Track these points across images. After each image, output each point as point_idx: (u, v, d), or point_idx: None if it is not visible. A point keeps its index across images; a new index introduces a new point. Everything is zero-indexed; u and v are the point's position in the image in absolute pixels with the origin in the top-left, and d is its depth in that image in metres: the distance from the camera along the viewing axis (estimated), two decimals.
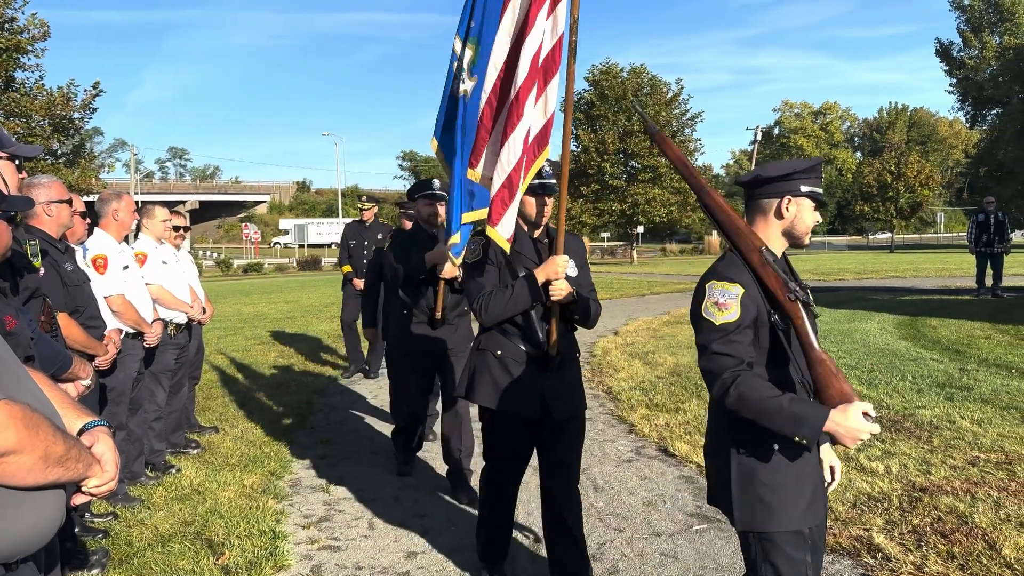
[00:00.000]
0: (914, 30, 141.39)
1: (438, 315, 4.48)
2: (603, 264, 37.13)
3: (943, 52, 47.55)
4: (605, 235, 48.14)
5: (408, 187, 4.44)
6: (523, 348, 3.16)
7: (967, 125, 56.62)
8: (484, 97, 3.33)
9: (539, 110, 3.24)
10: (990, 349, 8.46)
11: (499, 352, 3.18)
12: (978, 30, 45.42)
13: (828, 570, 3.40)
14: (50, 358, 2.72)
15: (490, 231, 3.12)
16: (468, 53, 3.49)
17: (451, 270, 4.26)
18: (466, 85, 3.50)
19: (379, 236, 8.01)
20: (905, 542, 3.58)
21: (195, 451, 5.43)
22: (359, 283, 7.92)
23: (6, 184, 2.28)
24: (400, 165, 78.00)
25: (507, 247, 3.13)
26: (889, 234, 53.57)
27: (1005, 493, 4.13)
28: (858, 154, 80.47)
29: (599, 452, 5.30)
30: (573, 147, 36.04)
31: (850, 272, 23.74)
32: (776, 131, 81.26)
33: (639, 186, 34.20)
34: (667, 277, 24.13)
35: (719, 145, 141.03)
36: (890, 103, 79.07)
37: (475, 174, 3.31)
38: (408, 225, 5.39)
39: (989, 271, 14.29)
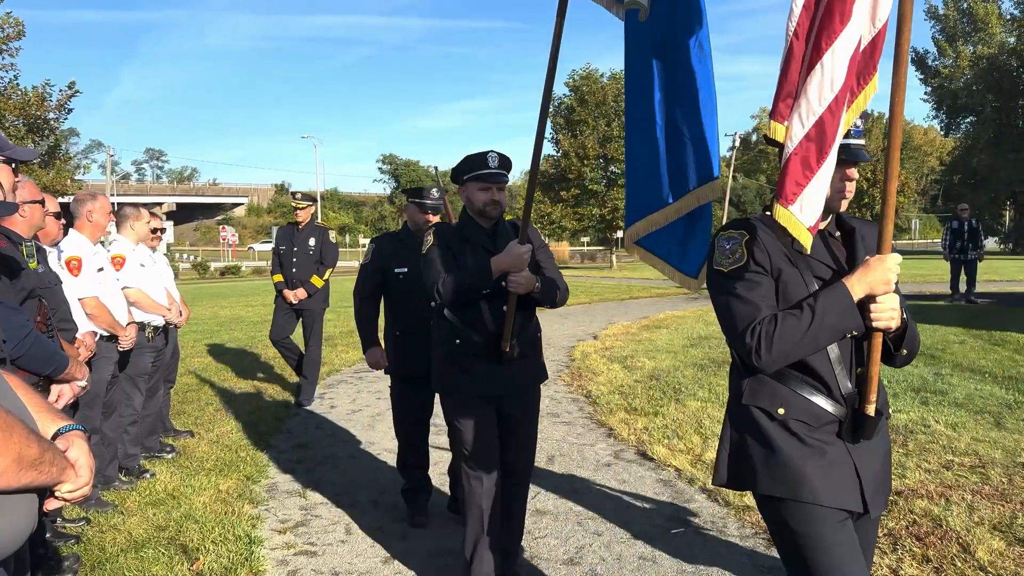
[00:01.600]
0: (890, 38, 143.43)
1: (507, 346, 3.11)
2: (583, 268, 37.25)
3: (918, 61, 48.26)
4: (585, 240, 48.35)
5: (456, 166, 3.30)
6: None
7: (942, 133, 57.50)
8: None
9: (862, 17, 2.03)
10: (964, 354, 8.57)
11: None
12: (953, 40, 46.21)
13: None
14: (47, 359, 2.69)
15: (781, 214, 1.97)
16: None
17: (529, 281, 3.05)
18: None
19: (311, 241, 7.10)
20: (881, 545, 3.61)
21: (170, 455, 5.36)
22: (292, 295, 6.99)
23: (1, 188, 2.26)
24: (380, 168, 77.57)
25: (807, 243, 1.98)
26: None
27: (979, 496, 4.18)
28: None
29: (578, 456, 5.30)
30: (552, 152, 36.20)
31: None
32: (754, 137, 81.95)
33: (619, 191, 34.28)
34: (646, 282, 24.22)
35: None
36: (869, 110, 79.92)
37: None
38: (453, 219, 3.93)
39: (963, 277, 14.49)
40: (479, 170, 3.19)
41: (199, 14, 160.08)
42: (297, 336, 7.26)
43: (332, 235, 7.46)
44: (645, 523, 4.08)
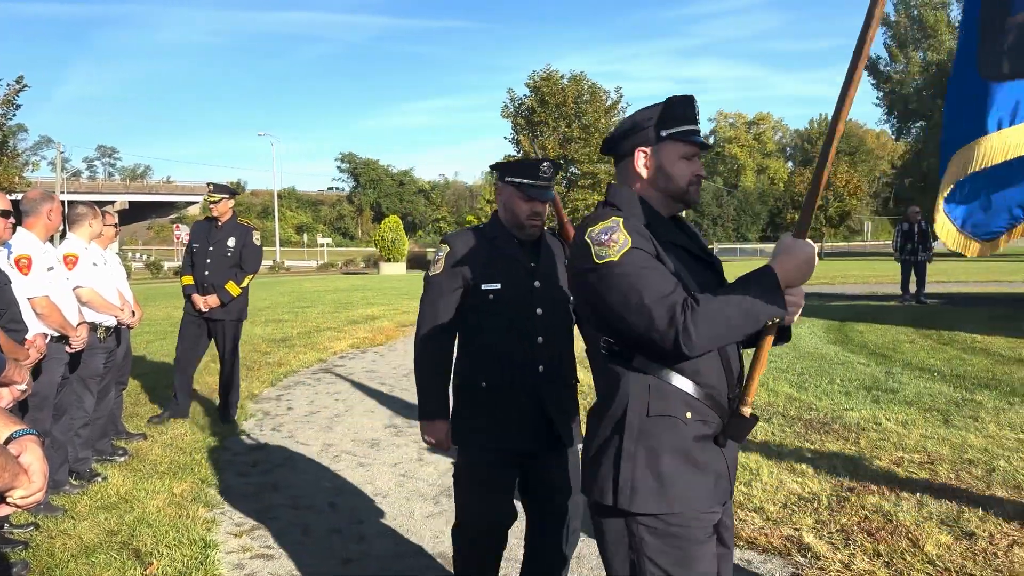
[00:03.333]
0: (844, 43, 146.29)
1: (747, 409, 1.89)
2: None
3: (871, 66, 49.39)
4: None
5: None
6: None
7: (893, 137, 58.91)
8: None
9: None
10: (914, 353, 8.80)
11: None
12: (904, 46, 47.44)
13: (760, 569, 3.48)
14: None
15: None
16: None
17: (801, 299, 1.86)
18: None
19: (231, 242, 6.19)
20: (834, 541, 3.69)
21: (122, 458, 5.24)
22: (203, 301, 6.09)
23: None
24: (339, 167, 76.90)
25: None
26: (819, 242, 55.30)
27: (928, 492, 4.28)
28: (790, 164, 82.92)
29: None
30: (513, 152, 36.31)
31: None
32: (712, 140, 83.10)
33: (579, 192, 34.62)
34: None
35: None
36: (820, 114, 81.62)
37: None
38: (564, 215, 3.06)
39: (913, 278, 14.87)
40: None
41: (154, 8, 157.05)
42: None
43: (256, 236, 6.48)
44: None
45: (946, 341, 9.65)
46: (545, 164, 2.71)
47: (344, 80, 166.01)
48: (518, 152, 35.93)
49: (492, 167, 2.84)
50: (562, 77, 35.36)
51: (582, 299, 1.95)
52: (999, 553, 3.50)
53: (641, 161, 1.93)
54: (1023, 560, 3.42)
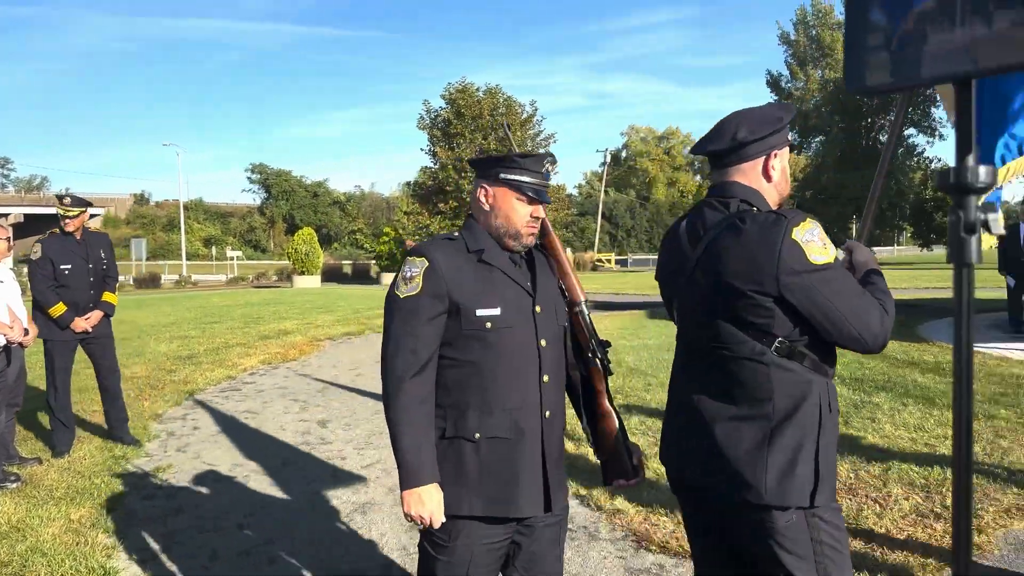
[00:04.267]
0: (748, 61, 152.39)
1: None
2: None
3: (773, 83, 51.60)
4: None
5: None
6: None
7: (795, 151, 61.57)
8: None
9: None
10: None
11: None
12: (803, 64, 49.67)
13: (671, 574, 3.54)
14: None
15: None
16: None
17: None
18: None
19: (103, 253, 6.01)
20: None
21: (14, 484, 4.94)
22: (85, 321, 5.76)
23: None
24: (249, 178, 74.82)
25: None
26: None
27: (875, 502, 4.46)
28: (698, 177, 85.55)
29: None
30: (430, 164, 36.22)
31: None
32: (624, 154, 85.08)
33: None
34: None
35: (572, 166, 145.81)
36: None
37: None
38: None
39: None
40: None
41: (54, 12, 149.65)
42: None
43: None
44: None
45: None
46: (549, 159, 2.23)
47: (256, 89, 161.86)
48: (435, 164, 35.85)
49: (474, 162, 2.25)
50: (478, 90, 35.58)
51: (796, 300, 1.85)
52: (895, 548, 3.68)
53: (775, 163, 2.04)
54: (917, 555, 3.61)
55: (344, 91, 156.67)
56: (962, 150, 0.69)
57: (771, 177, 2.04)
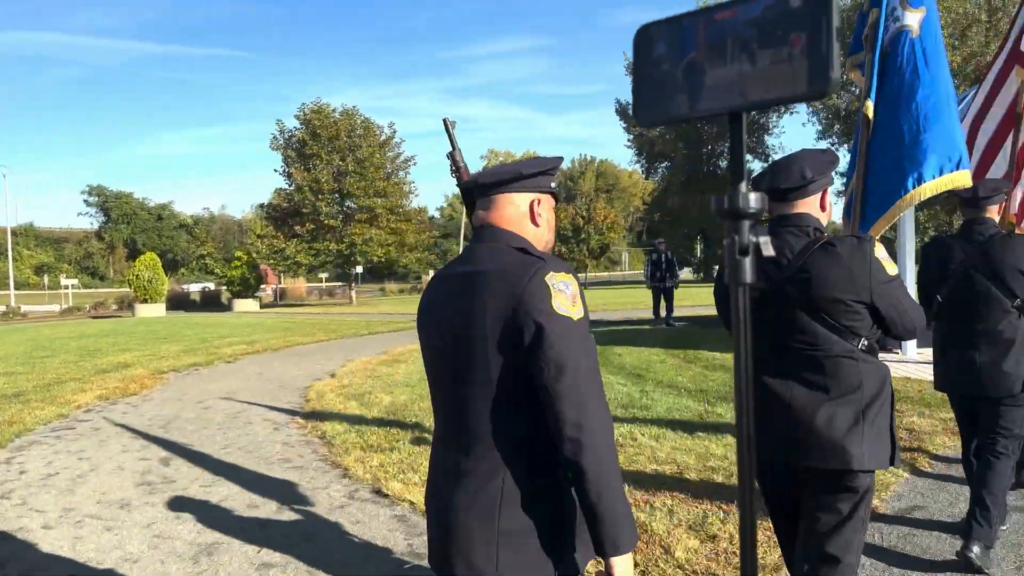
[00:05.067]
0: (600, 90, 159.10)
1: None
2: (321, 305, 36.41)
3: (622, 111, 53.94)
4: (323, 275, 47.40)
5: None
6: None
7: (643, 176, 64.53)
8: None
9: None
10: (664, 372, 9.62)
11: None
12: None
13: None
14: None
15: None
16: None
17: None
18: (906, 19, 3.92)
19: None
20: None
21: None
22: None
23: None
24: (86, 201, 69.88)
25: None
26: (583, 273, 59.04)
27: (677, 500, 4.67)
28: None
29: (310, 500, 5.12)
30: (286, 186, 35.22)
31: None
32: None
33: (356, 226, 34.21)
34: (386, 316, 24.30)
35: (435, 189, 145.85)
36: (581, 155, 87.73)
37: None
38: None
39: (663, 303, 16.33)
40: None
41: None
42: None
43: None
44: (379, 561, 4.04)
45: (691, 359, 10.66)
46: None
47: (94, 107, 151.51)
48: (290, 185, 34.84)
49: (530, 170, 1.85)
50: (334, 110, 34.98)
51: (880, 305, 2.42)
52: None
53: (828, 199, 2.57)
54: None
55: (192, 109, 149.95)
56: (735, 177, 0.75)
57: (825, 207, 2.58)
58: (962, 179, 3.95)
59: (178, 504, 5.13)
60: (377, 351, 13.75)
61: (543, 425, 1.65)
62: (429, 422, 7.19)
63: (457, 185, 2.31)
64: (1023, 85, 5.07)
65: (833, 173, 2.59)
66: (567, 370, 1.59)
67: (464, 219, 58.81)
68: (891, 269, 2.45)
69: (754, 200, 0.76)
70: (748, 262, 0.76)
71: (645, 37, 0.81)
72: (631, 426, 6.66)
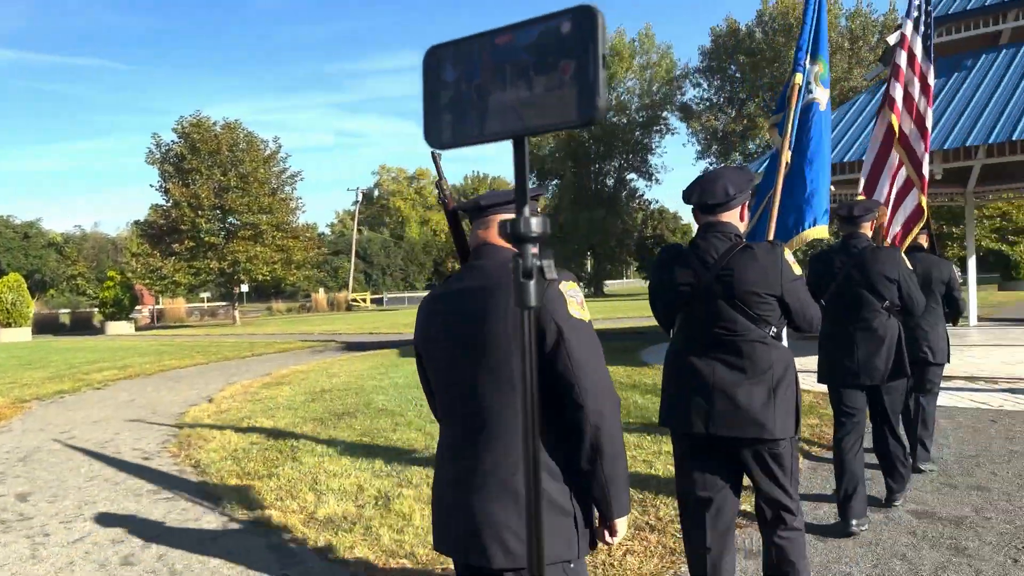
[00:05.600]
0: None
1: None
2: (203, 326, 34.89)
3: None
4: (205, 295, 45.49)
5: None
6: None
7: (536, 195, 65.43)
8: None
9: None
10: None
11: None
12: None
13: None
14: None
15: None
16: (817, 68, 4.95)
17: None
18: (816, 94, 4.91)
19: None
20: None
21: None
22: None
23: None
24: None
25: None
26: None
27: None
28: None
29: (180, 533, 4.86)
30: (163, 202, 33.71)
31: None
32: (376, 193, 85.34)
33: (239, 243, 33.01)
34: (271, 337, 23.54)
35: (325, 204, 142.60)
36: (473, 171, 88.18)
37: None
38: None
39: None
40: None
41: None
42: None
43: None
44: None
45: None
46: None
47: None
48: (167, 201, 33.33)
49: (531, 194, 2.08)
50: (215, 124, 33.73)
51: (789, 299, 2.89)
52: (615, 563, 3.94)
53: (743, 210, 3.03)
54: (634, 566, 3.89)
55: (61, 122, 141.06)
56: (520, 201, 0.75)
57: (744, 217, 3.03)
58: (823, 232, 4.90)
59: (34, 543, 4.77)
60: (259, 373, 13.29)
61: (557, 419, 1.88)
62: (310, 446, 6.99)
63: (444, 211, 2.56)
64: (889, 127, 5.92)
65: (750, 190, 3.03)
66: (585, 366, 1.85)
67: (356, 236, 57.96)
68: (797, 270, 2.91)
69: (536, 224, 0.76)
70: (532, 285, 0.76)
71: (434, 59, 0.80)
72: None
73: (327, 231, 78.95)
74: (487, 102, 0.75)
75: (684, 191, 3.02)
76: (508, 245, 1.88)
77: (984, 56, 10.99)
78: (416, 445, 6.78)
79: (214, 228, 33.27)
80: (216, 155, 32.97)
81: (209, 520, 5.12)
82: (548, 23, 0.72)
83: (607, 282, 61.98)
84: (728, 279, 2.86)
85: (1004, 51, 10.90)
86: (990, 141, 8.93)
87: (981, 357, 10.76)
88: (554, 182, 54.21)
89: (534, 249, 0.75)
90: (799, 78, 4.90)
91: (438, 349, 2.00)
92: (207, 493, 5.78)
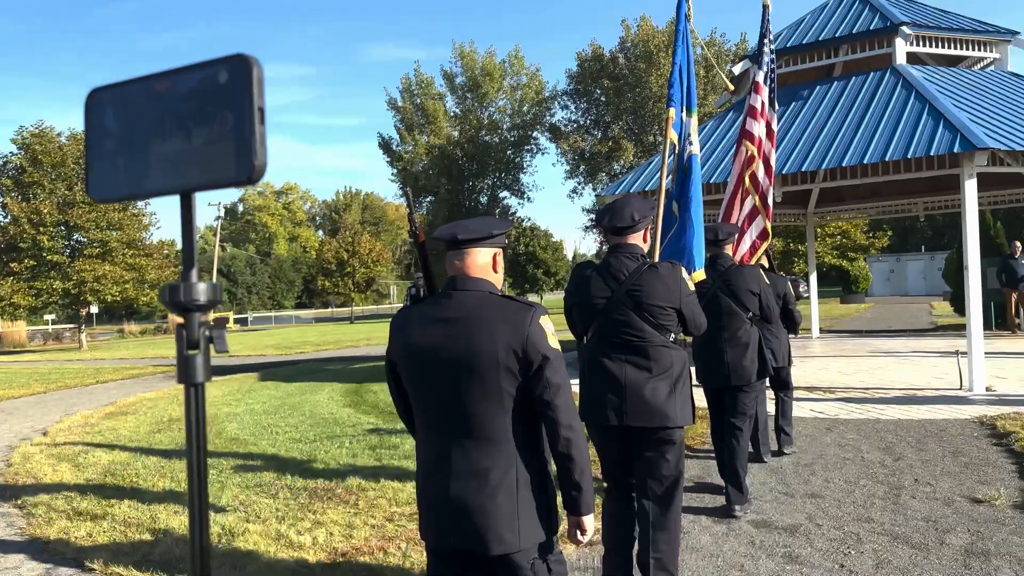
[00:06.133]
0: (364, 123, 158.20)
1: None
2: (45, 351, 32.20)
3: (385, 145, 54.15)
4: (49, 318, 42.12)
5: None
6: None
7: (410, 211, 64.83)
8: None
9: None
10: None
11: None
12: (411, 129, 52.96)
13: None
14: None
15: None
16: (693, 120, 5.23)
17: None
18: (695, 146, 5.20)
19: None
20: None
21: None
22: None
23: None
24: None
25: None
26: (350, 307, 58.05)
27: (412, 543, 4.60)
28: (320, 233, 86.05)
29: None
30: (0, 218, 31.04)
31: (311, 345, 24.90)
32: (241, 208, 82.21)
33: (86, 262, 30.71)
34: (120, 362, 22.05)
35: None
36: (346, 187, 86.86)
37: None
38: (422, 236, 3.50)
39: None
40: None
41: None
42: None
43: None
44: None
45: None
46: None
47: None
48: (5, 217, 30.63)
49: (493, 232, 2.45)
50: (59, 135, 31.38)
51: (685, 310, 3.49)
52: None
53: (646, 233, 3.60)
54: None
55: None
56: (186, 265, 0.68)
57: (647, 239, 3.60)
58: (701, 275, 5.23)
59: None
60: (103, 402, 12.39)
61: (535, 427, 2.35)
62: (152, 481, 6.55)
63: (415, 243, 2.87)
64: (748, 156, 6.63)
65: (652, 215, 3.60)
66: (559, 389, 2.28)
67: (218, 253, 55.49)
68: (691, 286, 3.56)
69: (204, 292, 0.70)
70: (200, 360, 0.69)
71: (96, 103, 0.73)
72: (376, 468, 6.52)
73: None
74: (149, 153, 0.68)
75: (596, 215, 3.62)
76: (483, 275, 2.37)
77: (819, 87, 11.85)
78: (267, 477, 6.48)
79: (58, 246, 30.81)
80: (60, 168, 30.65)
81: (30, 568, 4.68)
82: (206, 70, 0.66)
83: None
84: (637, 294, 3.42)
85: (836, 83, 11.78)
86: (823, 167, 9.59)
87: (820, 368, 11.52)
88: (428, 199, 54.02)
89: (203, 317, 0.68)
90: (672, 113, 5.26)
91: (427, 367, 2.32)
92: (31, 536, 5.28)
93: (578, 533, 2.39)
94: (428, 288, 2.79)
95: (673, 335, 3.47)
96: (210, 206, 54.40)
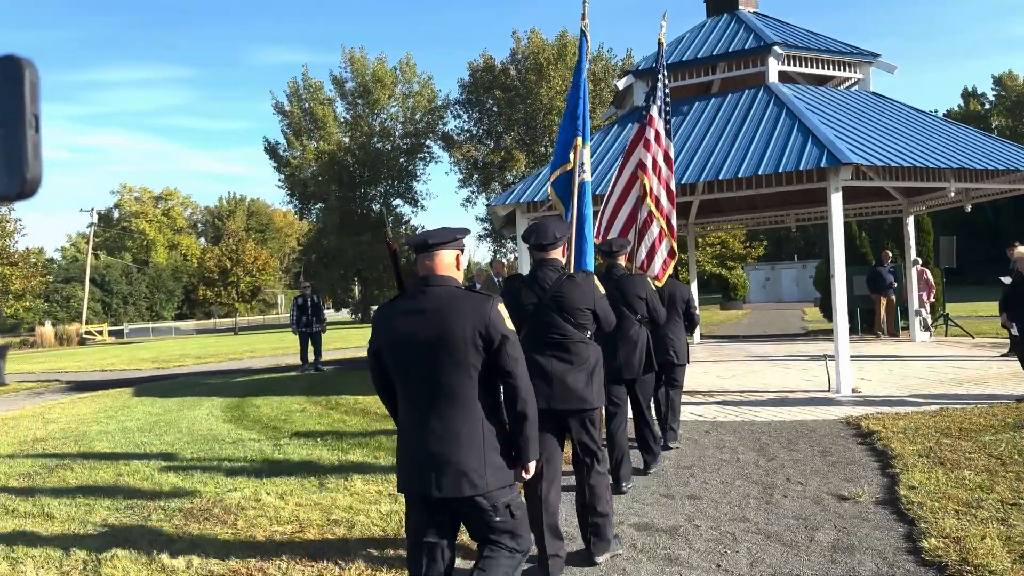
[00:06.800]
0: (248, 127, 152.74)
1: None
2: None
3: (271, 150, 52.58)
4: None
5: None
6: None
7: (298, 217, 63.33)
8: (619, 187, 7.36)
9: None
10: (303, 421, 9.32)
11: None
12: (299, 134, 51.62)
13: None
14: None
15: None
16: (586, 151, 5.52)
17: None
18: (587, 173, 5.53)
19: None
20: None
21: None
22: None
23: None
24: None
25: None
26: (233, 317, 55.88)
27: (295, 561, 4.44)
28: (202, 240, 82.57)
29: None
30: None
31: (191, 358, 23.81)
32: (116, 214, 77.90)
33: None
34: None
35: (55, 226, 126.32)
36: (230, 193, 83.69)
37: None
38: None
39: (311, 348, 15.96)
40: None
41: None
42: None
43: None
44: None
45: (332, 406, 10.49)
46: None
47: None
48: None
49: (456, 237, 3.16)
50: None
51: (599, 311, 4.26)
52: None
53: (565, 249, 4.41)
54: None
55: None
56: None
57: (565, 254, 4.37)
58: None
59: None
60: None
61: (496, 394, 3.01)
62: (14, 505, 6.06)
63: (388, 250, 3.54)
64: (643, 190, 7.22)
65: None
66: (517, 362, 2.95)
67: (91, 261, 52.48)
68: (602, 290, 4.33)
69: None
70: None
71: None
72: (257, 485, 6.26)
73: (58, 256, 70.66)
74: None
75: (523, 234, 4.32)
76: (448, 273, 2.99)
77: (698, 103, 12.33)
78: (139, 497, 6.13)
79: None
80: None
81: None
82: None
83: (375, 307, 61.33)
84: (560, 299, 4.14)
85: (713, 99, 12.31)
86: (701, 180, 9.98)
87: (701, 372, 11.97)
88: (318, 206, 52.80)
89: None
90: (579, 142, 5.54)
91: (409, 349, 2.91)
92: None
93: (523, 474, 3.04)
94: (399, 287, 3.28)
95: (589, 332, 4.21)
96: (82, 212, 51.19)
